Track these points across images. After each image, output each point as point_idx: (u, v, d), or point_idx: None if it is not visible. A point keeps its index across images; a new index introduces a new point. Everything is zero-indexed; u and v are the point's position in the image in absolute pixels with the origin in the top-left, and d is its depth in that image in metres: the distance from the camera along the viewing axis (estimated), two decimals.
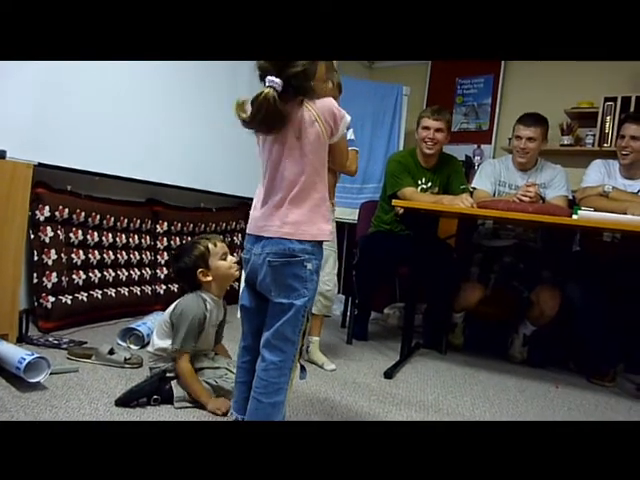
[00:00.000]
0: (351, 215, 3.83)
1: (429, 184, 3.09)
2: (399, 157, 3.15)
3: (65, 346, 2.31)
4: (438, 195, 2.99)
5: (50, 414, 1.65)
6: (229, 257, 1.97)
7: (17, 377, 1.81)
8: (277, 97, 1.31)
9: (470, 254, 3.13)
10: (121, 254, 3.02)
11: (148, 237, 3.24)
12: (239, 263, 1.99)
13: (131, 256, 3.09)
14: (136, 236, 3.13)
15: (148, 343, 2.15)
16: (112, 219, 2.94)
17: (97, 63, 2.39)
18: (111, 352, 2.18)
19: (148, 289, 3.18)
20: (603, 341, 2.64)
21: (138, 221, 3.13)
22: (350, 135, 2.28)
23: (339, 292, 3.58)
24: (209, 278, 1.92)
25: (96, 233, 2.85)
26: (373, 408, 2.04)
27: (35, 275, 2.55)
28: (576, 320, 2.70)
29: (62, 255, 2.63)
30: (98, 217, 2.84)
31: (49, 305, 2.55)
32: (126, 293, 3.01)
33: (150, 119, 2.98)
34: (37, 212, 2.53)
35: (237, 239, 3.85)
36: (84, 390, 1.87)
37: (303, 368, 1.55)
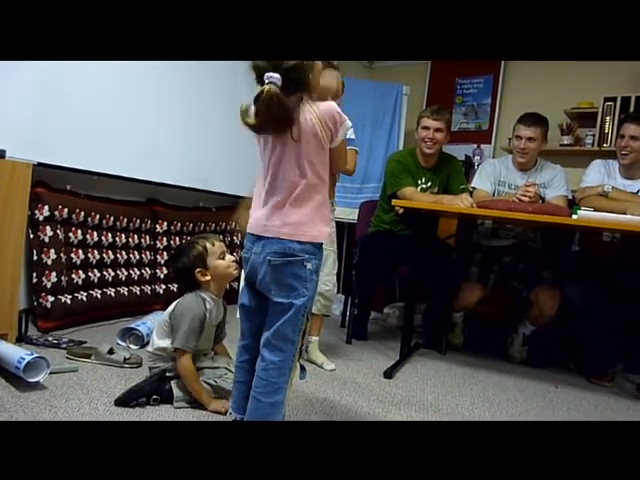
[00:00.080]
0: (351, 215, 3.83)
1: (429, 184, 3.08)
2: (399, 157, 3.15)
3: (64, 346, 2.31)
4: (438, 195, 2.98)
5: (49, 414, 1.65)
6: (227, 256, 1.97)
7: (16, 377, 1.81)
8: (279, 91, 1.31)
9: (470, 254, 3.13)
10: (121, 254, 3.02)
11: (148, 237, 3.24)
12: (238, 262, 1.99)
13: (131, 256, 3.09)
14: (136, 236, 3.13)
15: (148, 343, 2.15)
16: (112, 219, 2.94)
17: (97, 63, 2.39)
18: (110, 352, 2.18)
19: (148, 289, 3.18)
20: (602, 341, 2.64)
21: (138, 221, 3.13)
22: (350, 134, 2.28)
23: (339, 292, 3.58)
24: (207, 277, 1.92)
25: (95, 233, 2.85)
26: (373, 408, 2.04)
27: (34, 275, 2.55)
28: (575, 320, 2.70)
29: (61, 255, 2.63)
30: (97, 217, 2.84)
31: (48, 305, 2.55)
32: (125, 293, 3.01)
33: (150, 119, 2.98)
34: (36, 212, 2.53)
35: (237, 239, 3.85)
36: (83, 390, 1.87)
37: (303, 368, 1.55)
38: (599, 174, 2.83)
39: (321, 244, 1.47)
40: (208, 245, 1.93)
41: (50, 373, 1.86)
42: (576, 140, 3.92)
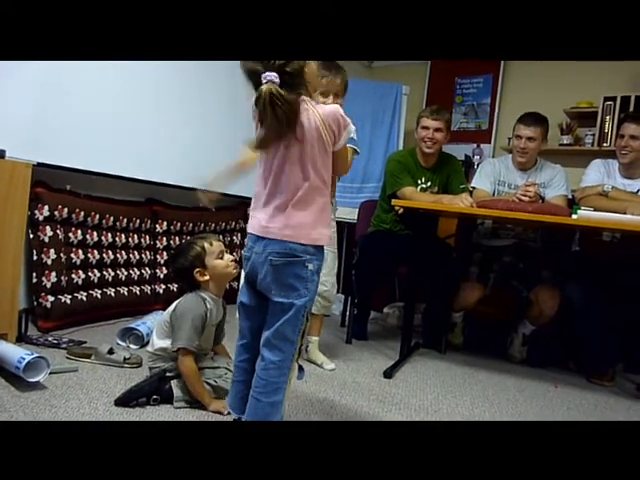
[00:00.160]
0: (350, 214, 3.83)
1: (429, 183, 3.09)
2: (399, 156, 3.15)
3: (64, 346, 2.31)
4: (438, 195, 2.98)
5: (49, 414, 1.65)
6: (226, 255, 1.97)
7: (16, 377, 1.81)
8: (279, 88, 1.30)
9: (469, 254, 3.13)
10: (120, 254, 3.02)
11: (147, 236, 3.24)
12: (237, 261, 1.99)
13: (130, 256, 3.09)
14: (135, 235, 3.13)
15: (147, 343, 2.15)
16: (111, 219, 2.94)
17: (97, 63, 2.38)
18: (110, 352, 2.18)
19: (147, 289, 3.18)
20: (602, 341, 2.64)
21: (137, 220, 3.13)
22: (352, 134, 2.27)
23: (338, 292, 3.58)
24: (206, 277, 1.92)
25: (95, 233, 2.85)
26: (372, 408, 2.04)
27: (34, 275, 2.55)
28: (575, 320, 2.70)
29: (61, 255, 2.63)
30: (97, 217, 2.84)
31: (48, 305, 2.55)
32: (125, 293, 3.01)
33: (150, 119, 2.98)
34: (36, 212, 2.53)
35: (236, 238, 3.85)
36: (83, 390, 1.87)
37: (301, 368, 1.54)
38: (599, 174, 2.83)
39: (322, 246, 1.47)
40: (206, 245, 1.93)
41: (50, 373, 1.86)
42: (576, 140, 3.93)
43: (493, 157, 4.05)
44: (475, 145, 4.31)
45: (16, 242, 2.26)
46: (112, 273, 2.95)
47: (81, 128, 2.60)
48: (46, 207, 2.56)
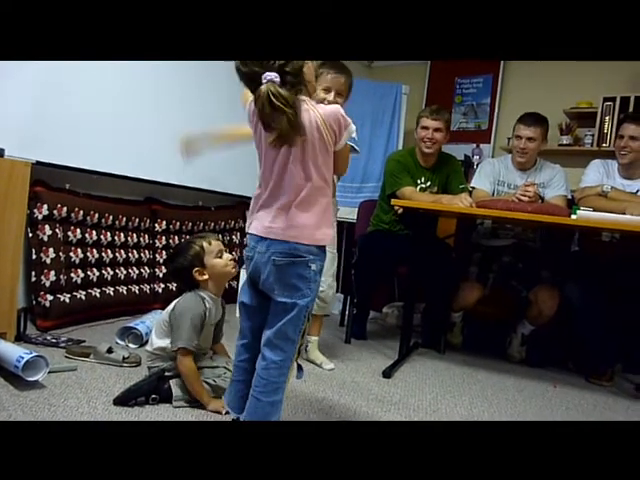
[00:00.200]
0: (350, 214, 3.83)
1: (428, 183, 3.08)
2: (398, 156, 3.15)
3: (63, 345, 2.31)
4: (437, 194, 2.98)
5: (48, 413, 1.65)
6: (225, 255, 1.97)
7: (15, 376, 1.81)
8: (279, 86, 1.29)
9: (469, 254, 3.13)
10: (120, 253, 3.02)
11: (147, 236, 3.24)
12: (236, 260, 1.99)
13: (130, 255, 3.09)
14: (135, 235, 3.13)
15: (146, 342, 2.15)
16: (111, 217, 2.93)
17: (97, 63, 2.38)
18: (109, 351, 2.17)
19: (147, 288, 3.18)
20: (602, 341, 2.64)
21: (137, 220, 3.13)
22: (353, 134, 2.27)
23: (338, 291, 3.58)
24: (205, 277, 1.92)
25: (94, 231, 2.85)
26: (371, 407, 2.04)
27: (33, 273, 2.55)
28: (575, 320, 2.70)
29: (60, 253, 2.63)
30: (97, 215, 2.84)
31: (47, 304, 2.55)
32: (124, 292, 3.01)
33: (149, 119, 2.98)
34: (35, 210, 2.53)
35: (236, 238, 3.85)
36: (82, 389, 1.87)
37: (300, 367, 1.55)
38: (598, 174, 2.83)
39: (325, 246, 1.47)
40: (205, 244, 1.93)
41: (49, 372, 1.86)
42: (575, 140, 3.93)
43: (493, 157, 4.05)
44: (475, 145, 4.31)
45: (15, 241, 2.26)
46: (111, 272, 2.95)
47: (81, 127, 2.59)
48: (45, 206, 2.56)
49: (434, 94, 4.61)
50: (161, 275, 3.28)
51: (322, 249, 1.46)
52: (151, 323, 2.45)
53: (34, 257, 2.54)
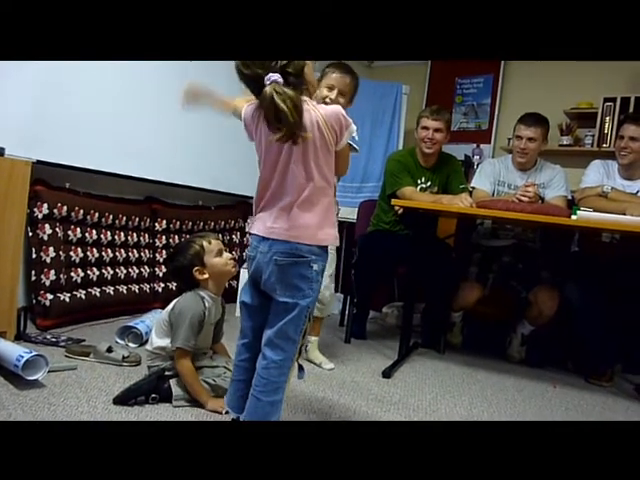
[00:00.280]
0: (350, 214, 3.83)
1: (428, 183, 3.08)
2: (398, 156, 3.15)
3: (63, 344, 2.31)
4: (437, 195, 2.98)
5: (48, 412, 1.65)
6: (225, 254, 1.98)
7: (15, 375, 1.81)
8: (282, 86, 1.30)
9: (469, 254, 3.13)
10: (120, 252, 3.02)
11: (147, 235, 3.24)
12: (235, 260, 1.99)
13: (130, 254, 3.09)
14: (135, 234, 3.13)
15: (146, 341, 2.15)
16: (111, 217, 2.93)
17: (97, 63, 2.38)
18: (109, 350, 2.18)
19: (146, 287, 3.18)
20: (601, 341, 2.64)
21: (137, 219, 3.13)
22: (353, 134, 2.27)
23: (337, 291, 3.58)
24: (205, 276, 1.92)
25: (95, 231, 2.85)
26: (371, 407, 2.04)
27: (33, 273, 2.55)
28: (575, 320, 2.70)
29: (60, 253, 2.63)
30: (97, 215, 2.84)
31: (47, 303, 2.55)
32: (124, 291, 3.01)
33: (149, 118, 2.98)
34: (35, 209, 2.53)
35: (236, 237, 3.85)
36: (82, 388, 1.87)
37: (301, 367, 1.55)
38: (598, 174, 2.83)
39: (327, 246, 1.47)
40: (205, 243, 1.93)
41: (49, 371, 1.86)
42: (575, 140, 3.92)
43: (493, 157, 4.05)
44: (475, 145, 4.31)
45: (15, 240, 2.26)
46: (111, 271, 2.95)
47: (81, 127, 2.59)
48: (45, 205, 2.56)
49: (434, 94, 4.61)
50: (161, 274, 3.28)
51: (324, 249, 1.46)
52: (151, 322, 2.45)
53: (34, 256, 2.54)
